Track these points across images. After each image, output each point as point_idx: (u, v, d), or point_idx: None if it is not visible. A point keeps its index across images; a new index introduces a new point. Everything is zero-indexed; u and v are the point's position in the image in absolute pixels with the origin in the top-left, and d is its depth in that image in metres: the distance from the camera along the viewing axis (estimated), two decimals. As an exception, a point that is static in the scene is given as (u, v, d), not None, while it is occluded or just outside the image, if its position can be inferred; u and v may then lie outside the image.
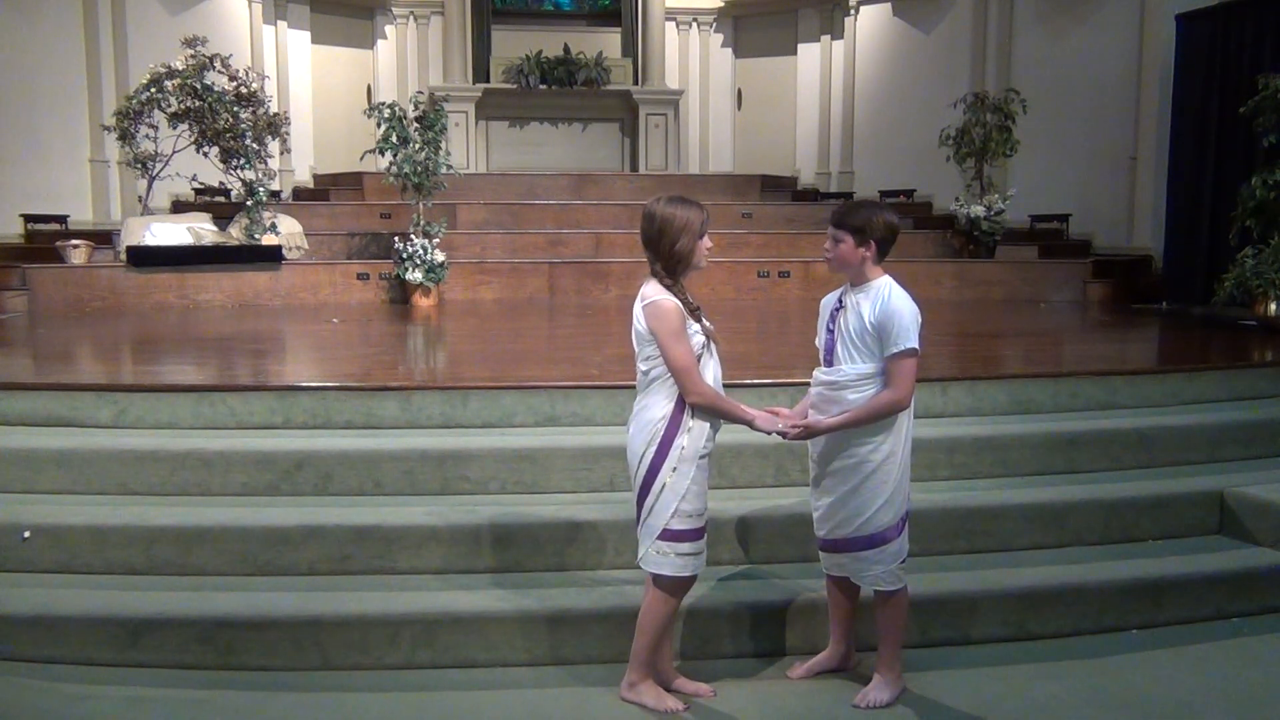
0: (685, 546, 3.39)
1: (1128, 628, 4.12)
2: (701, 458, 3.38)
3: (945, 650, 3.94)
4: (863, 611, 3.72)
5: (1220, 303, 8.07)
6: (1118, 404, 5.58)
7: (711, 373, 3.41)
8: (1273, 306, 7.67)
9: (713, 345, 3.43)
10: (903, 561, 3.55)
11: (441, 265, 9.75)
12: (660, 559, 3.39)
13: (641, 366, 3.40)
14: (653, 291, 3.34)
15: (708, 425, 3.38)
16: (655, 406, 3.36)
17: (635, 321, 3.37)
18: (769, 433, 3.48)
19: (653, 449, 3.35)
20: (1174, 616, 4.17)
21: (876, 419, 3.42)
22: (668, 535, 3.36)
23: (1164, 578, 4.23)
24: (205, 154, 10.24)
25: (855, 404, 3.44)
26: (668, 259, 3.35)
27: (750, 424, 3.44)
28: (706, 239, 3.39)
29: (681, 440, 3.34)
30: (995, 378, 5.60)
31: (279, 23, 13.16)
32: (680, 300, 3.33)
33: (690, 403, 3.33)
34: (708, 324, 3.41)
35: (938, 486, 4.73)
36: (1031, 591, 4.10)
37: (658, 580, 3.44)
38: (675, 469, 3.34)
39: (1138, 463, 5.05)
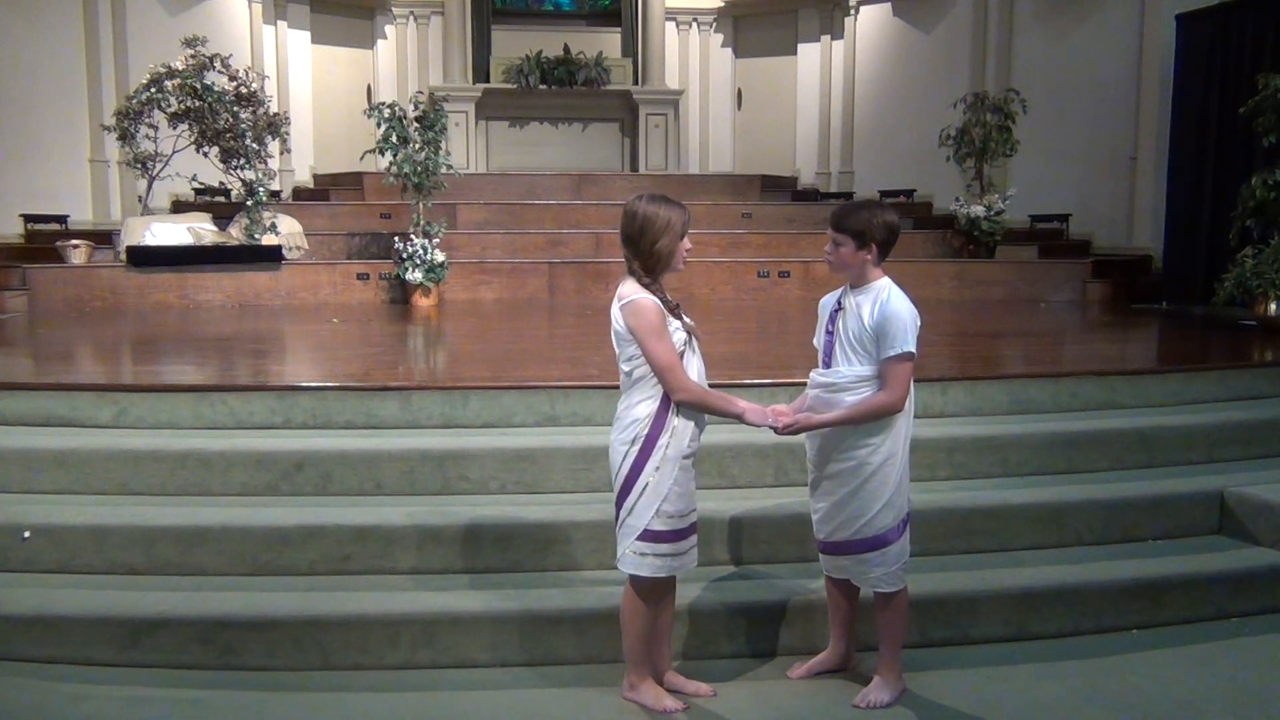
0: (664, 548, 3.36)
1: (1128, 628, 4.12)
2: (685, 458, 3.35)
3: (945, 650, 3.94)
4: (863, 612, 3.72)
5: (1220, 303, 8.07)
6: (1118, 404, 5.58)
7: (695, 369, 3.38)
8: (1273, 306, 7.67)
9: (695, 342, 3.40)
10: (904, 563, 3.55)
11: (441, 265, 9.75)
12: (639, 560, 3.37)
13: (624, 367, 3.38)
14: (630, 290, 3.32)
15: (692, 425, 3.36)
16: (639, 406, 3.33)
17: (614, 322, 3.35)
18: (759, 425, 3.46)
19: (636, 448, 3.32)
20: (1174, 616, 4.18)
21: (868, 419, 3.41)
22: (647, 536, 3.34)
23: (1164, 578, 4.23)
24: (205, 154, 10.25)
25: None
26: (647, 258, 3.33)
27: (740, 417, 3.41)
28: (686, 240, 3.37)
29: (665, 440, 3.31)
30: (995, 378, 5.60)
31: (279, 23, 13.17)
32: (659, 298, 3.31)
33: (676, 400, 3.30)
34: (688, 320, 3.39)
35: (938, 486, 4.74)
36: (1031, 591, 4.10)
37: (635, 582, 3.42)
38: (658, 469, 3.31)
39: (1138, 463, 5.05)
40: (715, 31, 15.45)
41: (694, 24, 15.33)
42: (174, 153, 10.11)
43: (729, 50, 15.47)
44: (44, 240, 10.43)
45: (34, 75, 10.92)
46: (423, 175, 9.87)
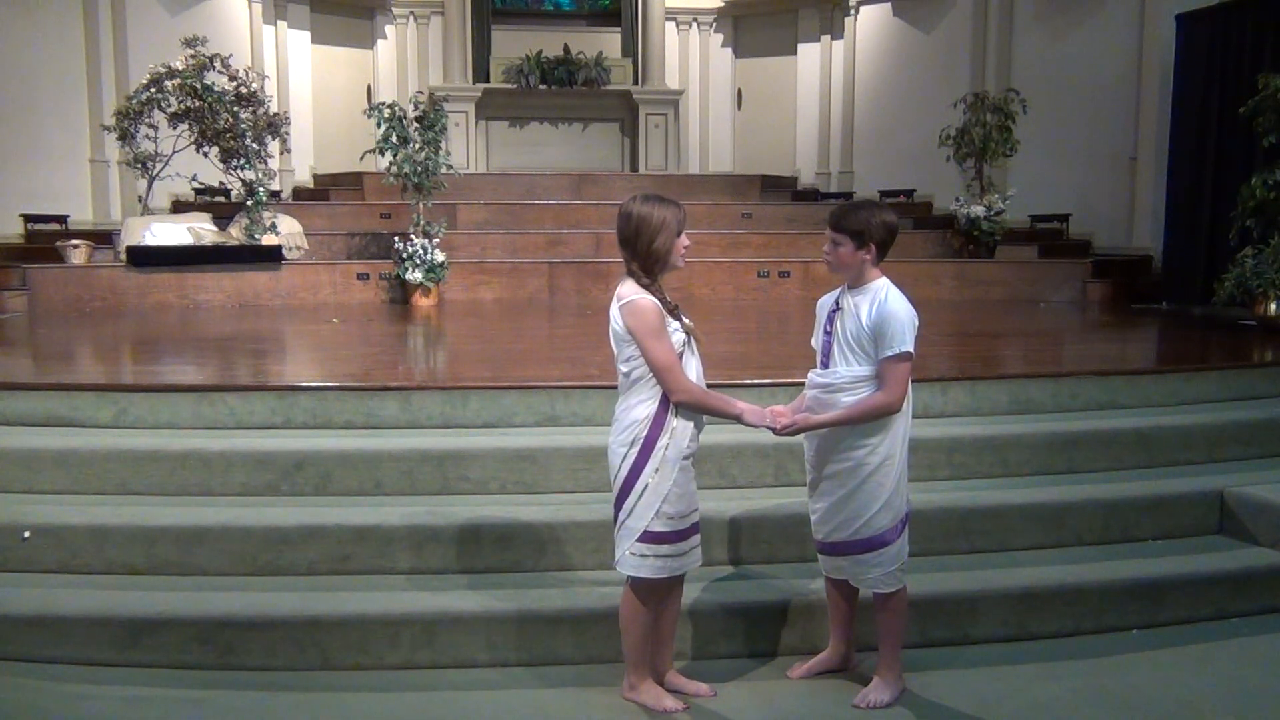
0: (665, 549, 3.35)
1: (1128, 628, 4.12)
2: (685, 459, 3.35)
3: (945, 650, 3.94)
4: (863, 612, 3.72)
5: (1220, 303, 8.07)
6: (1118, 404, 5.58)
7: (694, 370, 3.37)
8: (1273, 306, 7.67)
9: (694, 342, 3.39)
10: (902, 563, 3.55)
11: (441, 265, 9.75)
12: (639, 561, 3.36)
13: (622, 368, 3.37)
14: (629, 291, 3.31)
15: (691, 425, 3.36)
16: (638, 407, 3.32)
17: (613, 322, 3.34)
18: (757, 426, 3.45)
19: (635, 450, 3.31)
20: (1174, 616, 4.18)
21: (866, 420, 3.41)
22: (648, 537, 3.33)
23: (1164, 578, 4.23)
24: (205, 154, 10.25)
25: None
26: (645, 258, 3.32)
27: (738, 418, 3.41)
28: (684, 237, 3.36)
29: (664, 441, 3.30)
30: (995, 378, 5.60)
31: (279, 23, 13.17)
32: (658, 299, 3.30)
33: (675, 401, 3.29)
34: (687, 321, 3.38)
35: (938, 486, 4.73)
36: (1031, 591, 4.10)
37: (635, 584, 3.41)
38: (658, 470, 3.30)
39: (1138, 463, 5.05)
40: (715, 31, 15.44)
41: (694, 24, 15.33)
42: (174, 153, 10.11)
43: (729, 50, 15.46)
44: (44, 240, 10.43)
45: (34, 75, 10.92)
46: (423, 175, 9.87)
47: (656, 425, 3.30)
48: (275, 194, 11.10)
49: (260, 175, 10.15)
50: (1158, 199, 10.47)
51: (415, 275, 9.64)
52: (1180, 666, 3.85)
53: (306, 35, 13.58)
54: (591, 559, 4.24)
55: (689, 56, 15.38)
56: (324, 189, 12.94)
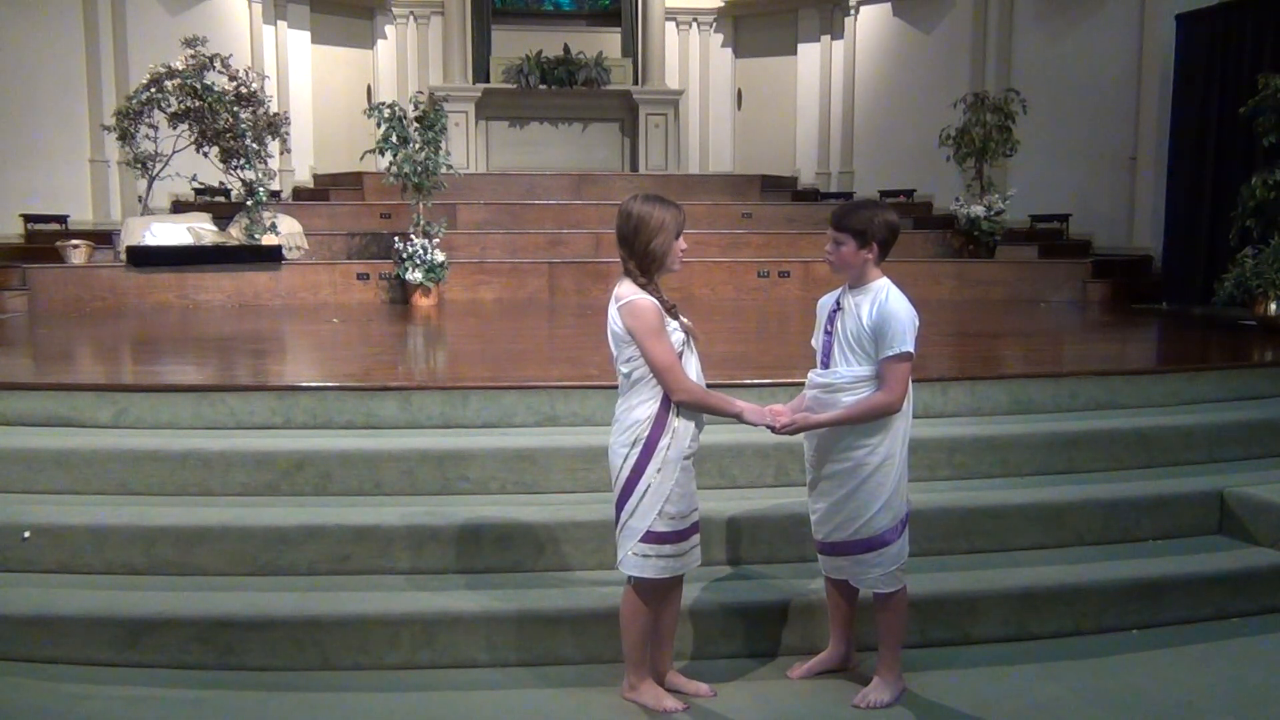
0: (667, 549, 3.35)
1: (1128, 628, 4.12)
2: (686, 459, 3.35)
3: (945, 650, 3.94)
4: (863, 612, 3.72)
5: (1220, 303, 8.07)
6: (1118, 404, 5.58)
7: (694, 369, 3.37)
8: (1273, 306, 7.67)
9: (692, 341, 3.39)
10: (902, 564, 3.55)
11: (441, 265, 9.75)
12: (642, 562, 3.36)
13: (622, 369, 3.36)
14: (628, 291, 3.31)
15: (692, 425, 3.36)
16: (639, 408, 3.32)
17: (611, 323, 3.33)
18: (757, 425, 3.45)
19: (637, 450, 3.31)
20: (1174, 616, 4.18)
21: (866, 419, 3.41)
22: (650, 537, 3.33)
23: (1164, 578, 4.23)
24: (205, 154, 10.25)
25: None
26: (642, 258, 3.32)
27: (739, 416, 3.41)
28: (682, 240, 3.36)
29: (666, 441, 3.30)
30: (995, 378, 5.60)
31: (279, 23, 13.16)
32: (656, 299, 3.30)
33: (676, 400, 3.29)
34: (685, 320, 3.38)
35: (938, 486, 4.73)
36: (1031, 591, 4.10)
37: (638, 584, 3.41)
38: (660, 470, 3.30)
39: (1138, 463, 5.05)
40: (715, 31, 15.44)
41: (694, 24, 15.33)
42: (174, 153, 10.11)
43: (729, 50, 15.46)
44: (44, 240, 10.43)
45: (34, 75, 10.92)
46: (423, 175, 9.87)
47: (658, 425, 3.30)
48: (275, 194, 11.10)
49: (260, 175, 10.15)
50: (1158, 199, 10.47)
51: (415, 275, 9.64)
52: (1180, 666, 3.85)
53: (306, 35, 13.58)
54: (591, 559, 4.24)
55: (689, 56, 15.37)
56: (324, 189, 12.93)
